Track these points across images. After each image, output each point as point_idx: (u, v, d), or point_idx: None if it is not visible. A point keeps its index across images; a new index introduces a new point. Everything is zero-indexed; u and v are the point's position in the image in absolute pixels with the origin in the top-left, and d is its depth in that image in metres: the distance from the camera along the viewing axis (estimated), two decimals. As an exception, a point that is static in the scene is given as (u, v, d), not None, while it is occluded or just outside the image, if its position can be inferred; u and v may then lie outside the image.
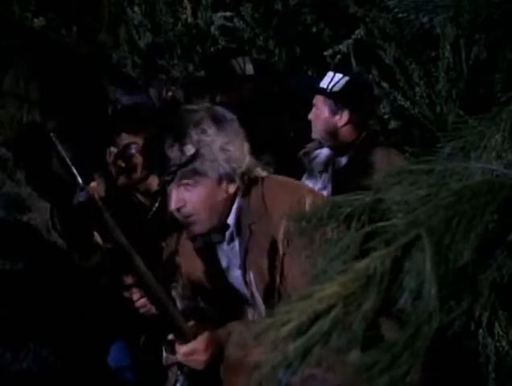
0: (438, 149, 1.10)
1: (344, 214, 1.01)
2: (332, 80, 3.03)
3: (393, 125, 3.71)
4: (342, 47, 3.61)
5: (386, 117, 3.71)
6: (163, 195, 2.64)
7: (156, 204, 2.66)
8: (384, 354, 0.69)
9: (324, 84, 3.04)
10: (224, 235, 2.03)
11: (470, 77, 3.43)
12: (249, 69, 3.81)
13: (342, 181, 2.91)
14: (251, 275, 1.97)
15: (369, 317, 0.72)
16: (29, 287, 3.00)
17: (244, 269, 2.00)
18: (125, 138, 2.58)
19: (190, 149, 1.88)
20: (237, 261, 2.04)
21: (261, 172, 2.03)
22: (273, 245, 1.88)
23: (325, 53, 3.70)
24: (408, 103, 3.57)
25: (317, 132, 3.08)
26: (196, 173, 1.90)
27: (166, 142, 1.91)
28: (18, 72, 3.61)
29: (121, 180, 2.60)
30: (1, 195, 3.08)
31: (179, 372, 2.39)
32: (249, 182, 1.98)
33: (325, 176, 3.09)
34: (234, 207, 1.98)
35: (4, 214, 3.04)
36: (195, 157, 1.88)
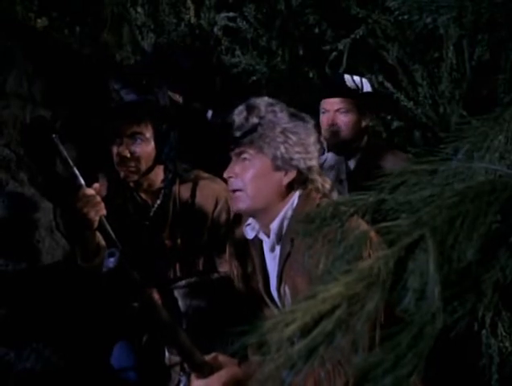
0: (441, 150, 1.10)
1: (348, 214, 1.02)
2: (354, 81, 2.97)
3: (396, 125, 3.71)
4: (340, 45, 3.60)
5: (389, 117, 3.71)
6: (165, 191, 2.64)
7: (158, 201, 2.65)
8: (388, 354, 0.69)
9: (351, 86, 2.99)
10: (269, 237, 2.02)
11: (473, 78, 3.43)
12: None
13: (355, 187, 2.87)
14: (286, 289, 1.95)
15: (373, 317, 0.72)
16: (32, 287, 3.00)
17: (279, 281, 1.98)
18: (129, 129, 2.54)
19: (254, 120, 1.94)
20: (275, 270, 2.02)
21: (325, 187, 2.00)
22: (311, 272, 1.84)
23: (323, 48, 3.70)
24: (411, 103, 3.58)
25: (345, 137, 2.99)
26: (253, 146, 1.93)
27: (237, 108, 1.98)
28: (21, 73, 3.62)
29: (125, 172, 2.56)
30: (4, 195, 3.09)
31: (181, 373, 2.40)
32: (308, 190, 1.97)
33: (338, 185, 3.03)
34: (282, 212, 1.97)
35: (7, 214, 3.04)
36: (255, 128, 1.92)
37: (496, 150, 1.05)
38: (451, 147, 1.09)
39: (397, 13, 1.30)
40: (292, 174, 1.95)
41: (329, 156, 3.09)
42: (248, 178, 1.95)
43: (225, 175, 2.00)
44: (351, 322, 0.70)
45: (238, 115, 1.97)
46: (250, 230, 2.08)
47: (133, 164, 2.55)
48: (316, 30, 4.00)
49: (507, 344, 2.09)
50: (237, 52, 4.18)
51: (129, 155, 2.53)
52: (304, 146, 1.95)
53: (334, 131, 2.99)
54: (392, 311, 0.75)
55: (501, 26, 1.25)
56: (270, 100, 2.00)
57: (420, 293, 0.74)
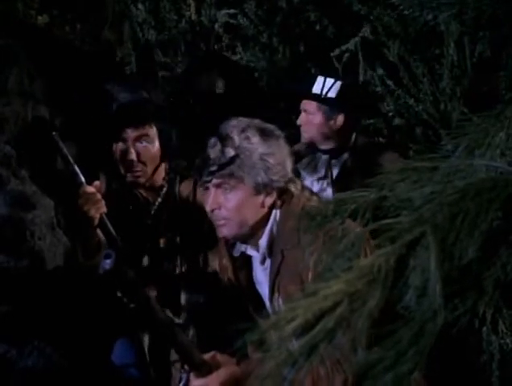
0: (442, 147, 1.10)
1: (349, 211, 1.02)
2: (324, 85, 3.00)
3: (397, 122, 3.70)
4: (350, 46, 3.60)
5: (390, 114, 3.71)
6: (168, 190, 2.64)
7: (159, 199, 2.65)
8: (389, 351, 0.69)
9: (316, 89, 3.01)
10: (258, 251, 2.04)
11: (474, 75, 3.42)
12: (220, 86, 3.81)
13: (345, 184, 2.89)
14: (279, 299, 1.96)
15: (374, 314, 0.72)
16: (33, 285, 3.00)
17: (272, 291, 1.99)
18: (132, 132, 2.53)
19: (230, 152, 1.91)
20: (267, 281, 2.03)
21: (304, 194, 2.01)
22: (304, 274, 1.84)
23: (332, 54, 3.69)
24: (412, 100, 3.57)
25: (309, 137, 3.05)
26: (233, 177, 1.92)
27: (209, 141, 1.94)
28: (22, 70, 3.62)
29: (133, 176, 2.56)
30: (5, 193, 3.09)
31: (182, 370, 2.40)
32: (287, 201, 1.98)
33: (323, 181, 3.07)
34: (268, 227, 1.98)
35: (9, 211, 3.04)
36: (233, 160, 1.90)
37: (497, 147, 1.05)
38: (452, 144, 1.08)
39: (399, 9, 1.30)
40: (274, 194, 1.96)
41: (320, 155, 3.12)
42: (232, 207, 1.94)
43: (208, 208, 1.98)
44: (352, 320, 0.70)
45: (212, 147, 1.94)
46: (237, 247, 2.10)
47: (139, 168, 2.55)
48: (317, 27, 3.99)
49: (508, 341, 2.09)
50: (238, 49, 4.18)
51: (136, 159, 2.53)
52: (282, 164, 1.95)
53: (303, 131, 3.07)
54: (393, 308, 0.75)
55: (502, 22, 1.25)
56: (241, 124, 1.97)
57: (421, 290, 0.74)
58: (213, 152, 1.93)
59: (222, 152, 1.91)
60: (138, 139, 2.53)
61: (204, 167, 1.95)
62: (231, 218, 1.95)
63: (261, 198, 1.95)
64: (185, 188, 2.65)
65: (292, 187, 1.99)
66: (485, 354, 2.24)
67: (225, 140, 1.93)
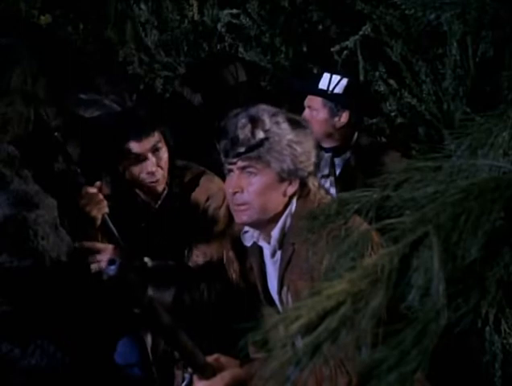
0: (445, 147, 1.10)
1: (352, 211, 1.02)
2: (330, 81, 2.99)
3: (399, 122, 3.70)
4: (349, 44, 3.59)
5: (392, 114, 3.71)
6: (168, 191, 2.64)
7: (159, 202, 2.66)
8: (392, 351, 0.69)
9: (323, 85, 3.01)
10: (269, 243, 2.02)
11: (477, 74, 3.42)
12: (242, 75, 3.80)
13: (348, 183, 2.89)
14: (288, 294, 1.95)
15: (377, 314, 0.72)
16: (36, 284, 3.01)
17: (280, 285, 1.98)
18: (146, 145, 2.53)
19: (260, 134, 1.89)
20: (276, 274, 2.02)
21: (319, 191, 2.00)
22: (315, 273, 1.81)
23: (332, 49, 3.68)
24: (415, 100, 3.57)
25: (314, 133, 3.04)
26: (260, 160, 1.90)
27: (239, 121, 1.91)
28: (25, 70, 3.62)
29: (153, 184, 2.56)
30: (8, 192, 3.09)
31: (185, 370, 2.40)
32: (304, 196, 1.97)
33: (326, 180, 3.07)
34: (282, 218, 1.96)
35: (12, 211, 3.05)
36: (263, 143, 1.89)
37: (500, 147, 1.05)
38: (455, 144, 1.09)
39: (401, 9, 1.30)
40: (296, 184, 1.95)
41: (324, 154, 3.12)
42: (255, 191, 1.92)
43: (230, 190, 1.96)
44: (356, 319, 0.70)
45: (242, 128, 1.90)
46: (249, 237, 2.08)
47: (160, 174, 2.56)
48: (320, 27, 3.99)
49: (511, 341, 2.09)
50: (241, 49, 4.18)
51: (155, 169, 2.54)
52: (307, 155, 1.94)
53: None
54: (396, 308, 0.75)
55: (504, 22, 1.25)
56: (272, 110, 1.96)
57: (424, 289, 0.74)
58: (243, 133, 1.90)
59: (252, 133, 1.89)
60: (153, 149, 2.54)
61: (232, 148, 1.92)
62: (252, 203, 1.93)
63: (284, 186, 1.94)
64: (184, 190, 2.65)
65: (311, 183, 1.98)
66: (487, 353, 2.24)
67: (256, 121, 1.90)
